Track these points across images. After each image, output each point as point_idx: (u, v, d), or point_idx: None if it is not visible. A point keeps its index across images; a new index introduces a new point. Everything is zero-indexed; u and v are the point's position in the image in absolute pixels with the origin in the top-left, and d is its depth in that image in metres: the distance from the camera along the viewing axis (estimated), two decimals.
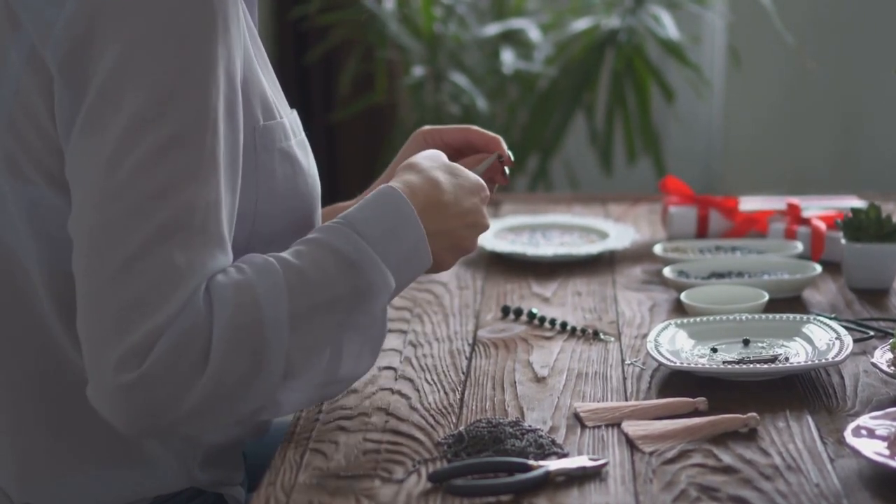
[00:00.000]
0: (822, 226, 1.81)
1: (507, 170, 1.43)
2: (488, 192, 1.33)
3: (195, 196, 1.12)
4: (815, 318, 1.48)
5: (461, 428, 1.25)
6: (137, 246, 1.10)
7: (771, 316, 1.50)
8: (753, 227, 1.93)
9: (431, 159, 1.31)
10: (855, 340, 1.43)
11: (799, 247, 1.81)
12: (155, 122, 1.11)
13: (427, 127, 1.46)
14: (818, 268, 1.70)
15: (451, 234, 1.28)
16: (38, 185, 1.20)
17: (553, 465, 1.15)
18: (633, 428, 1.24)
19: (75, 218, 1.13)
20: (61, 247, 1.19)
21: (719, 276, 1.72)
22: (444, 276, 1.80)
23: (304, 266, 1.17)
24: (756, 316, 1.50)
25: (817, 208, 1.95)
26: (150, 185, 1.11)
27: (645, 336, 1.51)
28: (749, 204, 1.99)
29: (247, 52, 1.22)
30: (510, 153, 1.43)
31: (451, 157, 1.38)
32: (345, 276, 1.18)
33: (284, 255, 1.18)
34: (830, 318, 1.50)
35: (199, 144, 1.13)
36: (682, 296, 1.60)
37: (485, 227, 1.32)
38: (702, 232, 1.96)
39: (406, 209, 1.23)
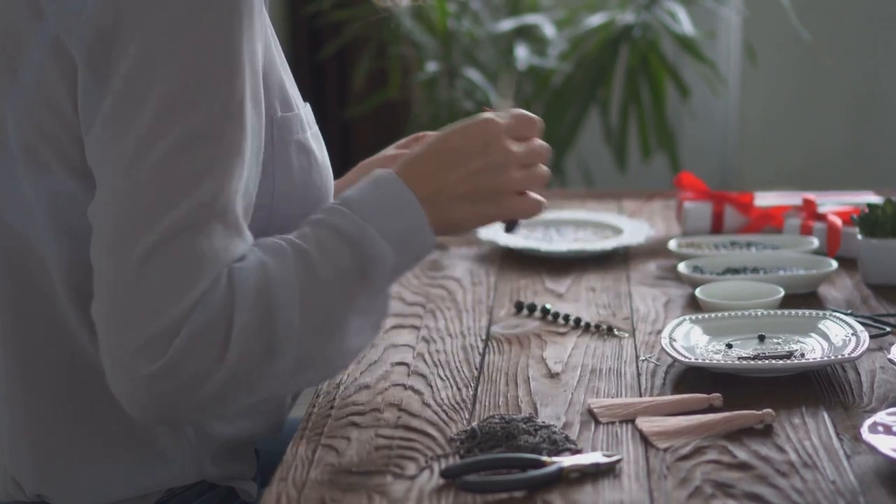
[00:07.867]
0: (838, 221, 1.80)
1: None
2: (500, 121, 1.30)
3: (220, 185, 1.13)
4: (830, 314, 1.47)
5: (474, 424, 1.24)
6: (163, 234, 1.10)
7: (786, 312, 1.49)
8: (769, 222, 1.92)
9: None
10: (871, 336, 1.42)
11: (814, 242, 1.80)
12: (182, 112, 1.12)
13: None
14: (834, 263, 1.69)
15: (460, 183, 1.25)
16: (59, 175, 1.20)
17: (566, 461, 1.15)
18: (647, 424, 1.24)
19: (98, 205, 1.14)
20: (81, 237, 1.19)
21: (734, 271, 1.71)
22: (457, 271, 1.80)
23: (309, 247, 1.18)
24: (771, 312, 1.49)
25: (833, 204, 1.94)
26: (176, 174, 1.11)
27: (659, 332, 1.50)
28: (764, 200, 1.98)
29: (266, 43, 1.22)
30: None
31: None
32: (344, 250, 1.18)
33: (291, 236, 1.19)
34: (846, 314, 1.49)
35: (224, 135, 1.13)
36: (697, 291, 1.59)
37: (510, 164, 1.30)
38: (717, 228, 1.95)
39: (399, 188, 1.22)
